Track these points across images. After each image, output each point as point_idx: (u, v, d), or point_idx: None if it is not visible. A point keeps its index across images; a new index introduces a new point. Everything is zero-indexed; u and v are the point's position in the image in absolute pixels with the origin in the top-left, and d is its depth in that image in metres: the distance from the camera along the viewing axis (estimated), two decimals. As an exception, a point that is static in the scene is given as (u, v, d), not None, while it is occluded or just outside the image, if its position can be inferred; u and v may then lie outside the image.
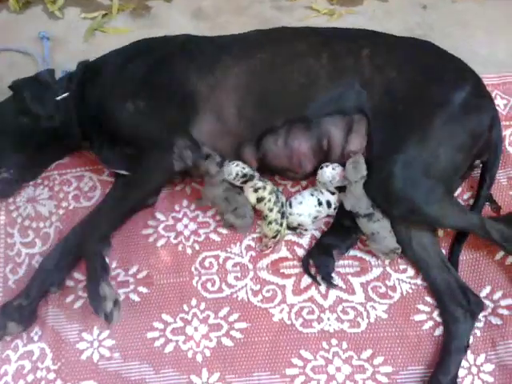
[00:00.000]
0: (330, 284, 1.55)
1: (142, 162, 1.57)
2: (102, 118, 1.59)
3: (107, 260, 1.55)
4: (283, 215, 1.59)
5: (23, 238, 1.72)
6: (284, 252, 1.63)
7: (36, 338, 1.58)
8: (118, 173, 1.69)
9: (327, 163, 1.57)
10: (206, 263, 1.63)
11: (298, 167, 1.60)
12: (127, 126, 1.55)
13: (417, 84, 1.48)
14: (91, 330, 1.58)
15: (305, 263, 1.58)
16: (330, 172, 1.56)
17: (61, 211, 1.75)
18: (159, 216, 1.70)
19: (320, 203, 1.60)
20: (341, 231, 1.58)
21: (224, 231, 1.66)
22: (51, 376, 1.53)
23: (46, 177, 1.79)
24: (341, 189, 1.60)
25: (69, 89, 1.65)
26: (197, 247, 1.66)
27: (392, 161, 1.43)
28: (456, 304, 1.46)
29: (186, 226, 1.68)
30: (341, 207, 1.60)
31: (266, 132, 1.56)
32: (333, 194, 1.61)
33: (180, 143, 1.54)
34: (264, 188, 1.58)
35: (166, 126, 1.56)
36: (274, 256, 1.63)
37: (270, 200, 1.58)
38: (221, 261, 1.63)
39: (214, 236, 1.67)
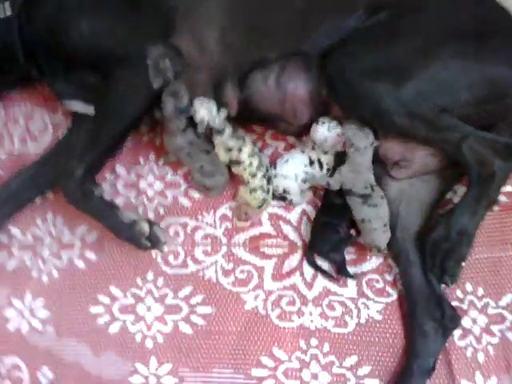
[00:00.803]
0: (350, 276, 1.28)
1: (110, 86, 1.26)
2: (53, 40, 1.27)
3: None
4: (269, 180, 1.30)
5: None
6: (266, 227, 1.34)
7: (-46, 298, 1.30)
8: (76, 113, 1.38)
9: (324, 119, 1.27)
10: (171, 231, 1.35)
11: (291, 116, 1.29)
12: (85, 46, 1.24)
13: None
14: (23, 296, 1.30)
15: (310, 255, 1.30)
16: (323, 132, 1.26)
17: (3, 156, 1.44)
18: (119, 170, 1.40)
19: (311, 162, 1.31)
20: (335, 209, 1.29)
21: (196, 195, 1.37)
22: (-34, 347, 1.25)
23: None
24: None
25: (12, 8, 1.32)
26: (161, 211, 1.36)
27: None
28: (428, 315, 1.21)
29: (150, 185, 1.38)
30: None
31: (254, 66, 1.25)
32: (325, 153, 1.31)
33: (154, 52, 1.23)
34: (239, 150, 1.27)
35: (134, 35, 1.25)
36: (254, 231, 1.34)
37: (251, 164, 1.28)
38: (189, 230, 1.35)
39: (183, 200, 1.37)
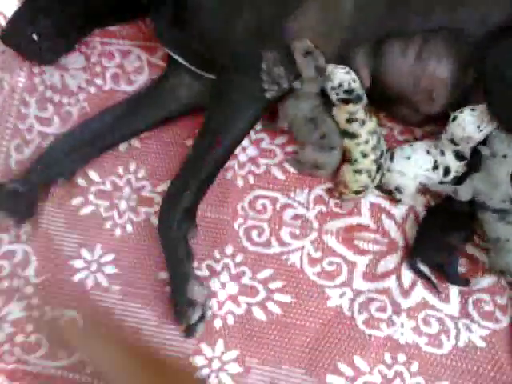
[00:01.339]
0: (466, 284, 1.10)
1: (219, 92, 1.14)
2: None
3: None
4: (379, 168, 1.13)
5: (40, 112, 1.33)
6: (365, 218, 1.18)
7: (24, 238, 1.23)
8: (173, 57, 1.25)
9: (475, 108, 1.06)
10: (258, 205, 1.21)
11: (424, 99, 1.10)
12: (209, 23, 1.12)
13: None
14: (93, 248, 1.21)
15: (413, 258, 1.12)
16: (472, 124, 1.05)
17: (92, 89, 1.35)
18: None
19: (436, 166, 1.12)
20: (458, 219, 1.10)
21: (292, 169, 1.22)
22: (29, 290, 1.18)
23: (83, 42, 1.38)
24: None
25: None
26: (251, 180, 1.23)
27: None
28: None
29: (243, 150, 1.25)
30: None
31: (392, 34, 1.08)
32: (460, 158, 1.11)
33: (268, 56, 1.09)
34: (363, 123, 1.11)
35: (257, 27, 1.10)
36: (351, 220, 1.18)
37: (367, 142, 1.11)
38: (278, 207, 1.20)
39: (277, 171, 1.23)
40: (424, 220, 1.14)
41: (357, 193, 1.14)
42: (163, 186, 1.24)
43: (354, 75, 1.10)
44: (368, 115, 1.12)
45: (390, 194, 1.16)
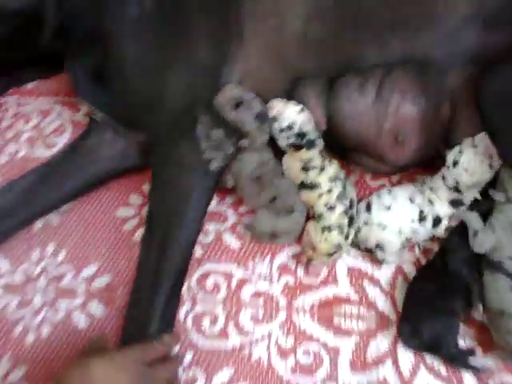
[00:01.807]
0: (469, 366, 0.83)
1: (158, 174, 0.94)
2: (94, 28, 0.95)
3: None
4: (351, 221, 0.90)
5: None
6: (344, 287, 0.93)
7: None
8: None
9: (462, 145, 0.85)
10: (209, 283, 0.96)
11: (391, 144, 0.90)
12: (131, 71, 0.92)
13: None
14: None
15: (405, 331, 0.86)
16: (476, 155, 0.83)
17: (3, 158, 1.11)
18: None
19: (422, 218, 0.90)
20: (454, 282, 0.86)
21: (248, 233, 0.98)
22: None
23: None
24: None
25: None
26: (198, 252, 0.98)
27: None
28: None
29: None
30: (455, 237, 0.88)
31: (347, 69, 0.89)
32: (456, 205, 0.89)
33: (204, 119, 0.90)
34: (321, 169, 0.89)
35: (190, 85, 0.92)
36: (326, 292, 0.93)
37: (330, 191, 0.89)
38: (234, 283, 0.95)
39: (229, 238, 0.99)
40: (414, 281, 0.90)
41: (329, 255, 0.91)
42: (88, 271, 0.98)
43: (307, 115, 0.89)
44: (327, 159, 0.91)
45: (370, 252, 0.93)
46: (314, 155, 0.89)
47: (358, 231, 0.92)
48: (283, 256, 0.97)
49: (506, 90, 0.77)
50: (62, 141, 1.13)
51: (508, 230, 0.80)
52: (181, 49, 0.90)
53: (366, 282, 0.93)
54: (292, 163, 0.90)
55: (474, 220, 0.85)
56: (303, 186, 0.90)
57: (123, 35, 0.91)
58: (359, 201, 0.95)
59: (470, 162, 0.84)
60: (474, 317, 0.87)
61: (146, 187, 1.05)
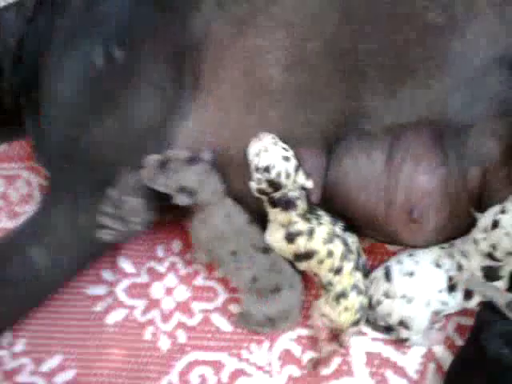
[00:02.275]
0: None
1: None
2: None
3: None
4: (366, 275, 0.77)
5: None
6: (363, 379, 0.75)
7: None
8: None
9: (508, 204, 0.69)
10: (194, 376, 0.78)
11: (405, 221, 0.75)
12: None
13: None
14: None
15: None
16: None
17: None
18: (124, 265, 0.88)
19: (452, 286, 0.73)
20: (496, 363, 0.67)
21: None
22: None
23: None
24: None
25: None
26: (181, 338, 0.81)
27: None
28: None
29: (168, 292, 0.84)
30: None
31: (348, 131, 0.74)
32: (491, 278, 0.72)
33: (127, 179, 0.76)
34: (311, 233, 0.73)
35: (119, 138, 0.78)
36: (342, 383, 0.75)
37: (331, 254, 0.73)
38: (225, 376, 0.77)
39: (219, 320, 0.82)
40: (451, 370, 0.71)
41: (355, 323, 0.74)
42: (51, 363, 0.81)
43: (292, 165, 0.73)
44: (313, 219, 0.74)
45: (390, 331, 0.75)
46: (293, 218, 0.73)
47: (376, 305, 0.75)
48: (285, 340, 0.79)
49: None
50: (31, 209, 0.99)
51: None
52: (117, 97, 0.77)
53: (388, 372, 0.75)
54: (275, 233, 0.75)
55: (494, 291, 0.69)
56: (297, 257, 0.75)
57: (61, 72, 0.79)
58: (373, 267, 0.78)
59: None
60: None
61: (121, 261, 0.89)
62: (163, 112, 0.76)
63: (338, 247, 0.72)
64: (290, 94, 0.73)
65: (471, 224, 0.72)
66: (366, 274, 0.76)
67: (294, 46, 0.73)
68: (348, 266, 0.73)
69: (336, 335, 0.74)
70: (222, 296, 0.84)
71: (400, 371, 0.75)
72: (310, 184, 0.73)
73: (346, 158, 0.74)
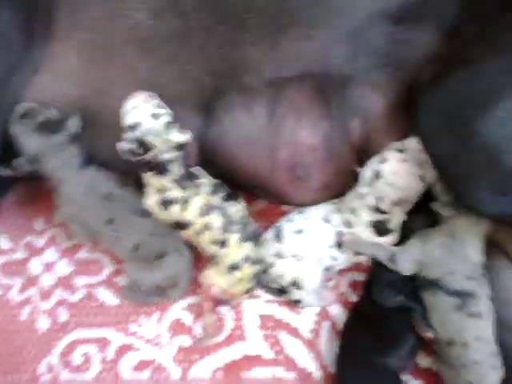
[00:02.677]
0: None
1: None
2: None
3: None
4: (256, 237, 0.72)
5: None
6: (254, 342, 0.72)
7: None
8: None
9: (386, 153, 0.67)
10: (77, 356, 0.72)
11: (291, 179, 0.72)
12: None
13: None
14: None
15: None
16: (404, 164, 0.65)
17: None
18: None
19: (341, 242, 0.71)
20: (388, 319, 0.66)
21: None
22: None
23: None
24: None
25: None
26: (63, 315, 0.75)
27: None
28: None
29: (49, 267, 0.77)
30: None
31: (228, 86, 0.70)
32: (381, 232, 0.70)
33: None
34: (185, 202, 0.68)
35: None
36: (232, 351, 0.71)
37: (208, 226, 0.68)
38: (111, 353, 0.72)
39: (104, 294, 0.76)
40: (345, 330, 0.69)
41: (248, 291, 0.71)
42: None
43: (162, 123, 0.66)
44: (191, 188, 0.68)
45: (283, 293, 0.72)
46: (168, 185, 0.67)
47: (268, 267, 0.72)
48: (175, 310, 0.74)
49: (448, 105, 0.59)
50: None
51: (448, 245, 0.63)
52: None
53: (282, 334, 0.72)
54: (151, 197, 0.69)
55: (376, 248, 0.68)
56: (175, 225, 0.69)
57: None
58: (267, 230, 0.75)
59: (397, 173, 0.66)
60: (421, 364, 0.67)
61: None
62: (9, 62, 0.68)
63: (215, 219, 0.68)
64: (160, 43, 0.68)
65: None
66: (256, 239, 0.72)
67: None
68: (233, 238, 0.68)
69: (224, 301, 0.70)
70: (108, 268, 0.78)
71: (294, 332, 0.72)
72: (184, 138, 0.67)
73: (226, 114, 0.70)
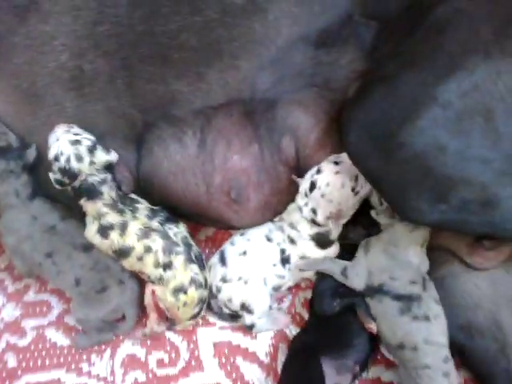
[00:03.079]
0: None
1: None
2: None
3: None
4: (201, 263, 0.71)
5: None
6: (213, 370, 0.70)
7: None
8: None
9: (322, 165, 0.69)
10: (25, 402, 0.69)
11: (228, 204, 0.73)
12: None
13: None
14: None
15: None
16: (338, 176, 0.67)
17: None
18: None
19: (285, 259, 0.71)
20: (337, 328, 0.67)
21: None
22: None
23: None
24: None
25: None
26: (11, 362, 0.72)
27: None
28: None
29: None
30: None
31: (158, 119, 0.70)
32: (322, 245, 0.71)
33: None
34: (123, 228, 0.67)
35: None
36: (192, 380, 0.70)
37: (149, 249, 0.67)
38: (63, 395, 0.70)
39: (54, 335, 0.74)
40: (291, 350, 0.69)
41: (193, 317, 0.70)
42: None
43: (84, 147, 0.66)
44: (127, 212, 0.68)
45: (236, 318, 0.72)
46: (103, 210, 0.67)
47: (216, 293, 0.71)
48: (127, 345, 0.73)
49: (371, 121, 0.61)
50: None
51: (389, 251, 0.64)
52: None
53: (239, 359, 0.71)
54: (90, 226, 0.68)
55: (327, 263, 0.69)
56: (116, 254, 0.68)
57: None
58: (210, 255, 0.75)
59: (331, 183, 0.67)
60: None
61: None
62: None
63: (155, 242, 0.67)
64: (85, 82, 0.68)
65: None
66: (202, 264, 0.71)
67: (83, 30, 0.67)
68: (178, 259, 0.68)
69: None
70: (57, 308, 0.77)
71: (251, 356, 0.71)
72: (110, 157, 0.68)
73: (158, 146, 0.70)
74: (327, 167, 0.68)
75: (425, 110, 0.54)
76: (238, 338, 0.73)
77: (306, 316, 0.74)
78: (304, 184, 0.68)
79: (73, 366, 0.71)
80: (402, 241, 0.64)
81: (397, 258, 0.64)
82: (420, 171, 0.55)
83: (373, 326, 0.63)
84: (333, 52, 0.68)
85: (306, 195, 0.68)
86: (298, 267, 0.70)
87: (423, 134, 0.54)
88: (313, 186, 0.67)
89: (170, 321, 0.71)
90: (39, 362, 0.72)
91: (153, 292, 0.69)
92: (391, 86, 0.57)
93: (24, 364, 0.72)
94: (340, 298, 0.65)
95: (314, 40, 0.68)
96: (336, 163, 0.68)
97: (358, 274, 0.65)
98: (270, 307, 0.72)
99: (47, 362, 0.72)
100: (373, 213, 0.67)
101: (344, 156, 0.67)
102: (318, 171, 0.68)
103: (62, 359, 0.72)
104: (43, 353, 0.73)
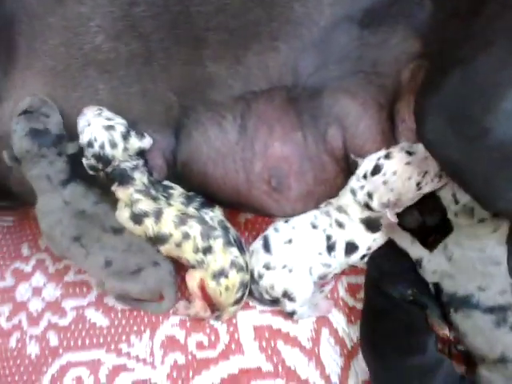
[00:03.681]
0: None
1: None
2: None
3: None
4: (241, 247, 0.69)
5: None
6: (253, 356, 0.68)
7: None
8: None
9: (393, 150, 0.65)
10: (67, 381, 0.69)
11: (269, 193, 0.70)
12: None
13: None
14: None
15: None
16: (406, 165, 0.63)
17: None
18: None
19: (331, 246, 0.68)
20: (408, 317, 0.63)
21: (119, 306, 0.74)
22: None
23: None
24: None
25: None
26: (53, 340, 0.72)
27: None
28: None
29: (36, 291, 0.75)
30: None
31: (197, 103, 0.69)
32: (374, 229, 0.68)
33: None
34: (158, 215, 0.66)
35: None
36: (230, 366, 0.68)
37: (187, 236, 0.66)
38: (103, 375, 0.69)
39: (94, 315, 0.74)
40: (364, 327, 0.66)
41: (236, 302, 0.68)
42: None
43: (118, 132, 0.65)
44: (161, 198, 0.68)
45: (277, 304, 0.70)
46: (135, 196, 0.66)
47: (258, 279, 0.69)
48: (166, 327, 0.72)
49: (450, 106, 0.57)
50: None
51: (472, 257, 0.60)
52: None
53: (280, 344, 0.69)
54: (122, 212, 0.67)
55: (409, 245, 0.65)
56: (152, 240, 0.68)
57: None
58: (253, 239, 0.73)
59: (398, 173, 0.63)
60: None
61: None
62: None
63: (193, 228, 0.66)
64: (120, 64, 0.67)
65: (341, 188, 0.69)
66: (240, 248, 0.69)
67: (119, 11, 0.66)
68: (217, 243, 0.66)
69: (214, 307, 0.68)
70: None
71: (292, 341, 0.69)
72: (146, 143, 0.67)
73: (196, 130, 0.69)
74: (398, 155, 0.63)
75: (509, 91, 0.50)
76: (279, 322, 0.71)
77: (350, 301, 0.71)
78: (366, 165, 0.65)
79: (112, 347, 0.71)
80: (486, 244, 0.59)
81: (483, 263, 0.59)
82: (508, 158, 0.51)
83: (447, 332, 0.60)
84: (380, 32, 0.64)
85: (365, 177, 0.65)
86: (385, 227, 0.67)
87: (509, 117, 0.50)
88: (377, 170, 0.64)
89: (214, 311, 0.69)
90: (79, 342, 0.72)
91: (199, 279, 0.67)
92: (469, 68, 0.52)
93: (65, 343, 0.72)
94: (414, 291, 0.62)
95: (359, 20, 0.65)
96: (409, 153, 0.63)
97: (434, 272, 0.62)
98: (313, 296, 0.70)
99: (87, 342, 0.72)
100: (450, 215, 0.63)
101: (418, 147, 0.63)
102: (387, 156, 0.64)
103: (101, 339, 0.72)
104: (83, 333, 0.73)
